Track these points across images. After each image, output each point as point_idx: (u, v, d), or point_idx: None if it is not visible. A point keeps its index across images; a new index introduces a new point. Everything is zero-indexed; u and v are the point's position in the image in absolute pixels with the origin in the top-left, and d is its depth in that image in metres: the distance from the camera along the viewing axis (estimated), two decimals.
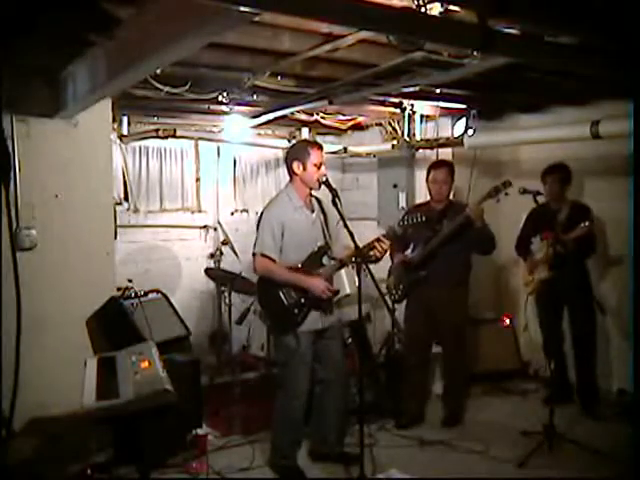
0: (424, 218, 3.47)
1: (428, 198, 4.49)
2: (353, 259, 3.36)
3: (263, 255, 3.46)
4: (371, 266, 3.47)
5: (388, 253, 4.32)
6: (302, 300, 3.47)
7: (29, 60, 3.11)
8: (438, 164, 4.45)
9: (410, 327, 4.45)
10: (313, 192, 3.62)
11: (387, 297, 4.11)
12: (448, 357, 4.44)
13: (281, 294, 3.47)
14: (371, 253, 3.41)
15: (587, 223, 4.19)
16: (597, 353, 4.61)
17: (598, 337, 4.62)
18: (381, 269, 4.52)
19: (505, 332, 5.42)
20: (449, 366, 4.46)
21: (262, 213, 3.59)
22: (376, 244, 3.41)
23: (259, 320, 5.09)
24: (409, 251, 4.32)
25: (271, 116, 4.91)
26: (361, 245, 3.30)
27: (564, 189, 4.55)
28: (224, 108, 4.71)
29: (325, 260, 3.58)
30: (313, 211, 3.61)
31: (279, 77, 3.99)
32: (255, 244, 3.52)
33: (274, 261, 3.47)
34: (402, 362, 4.50)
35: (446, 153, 5.32)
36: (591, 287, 4.59)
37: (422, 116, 5.45)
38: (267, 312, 3.69)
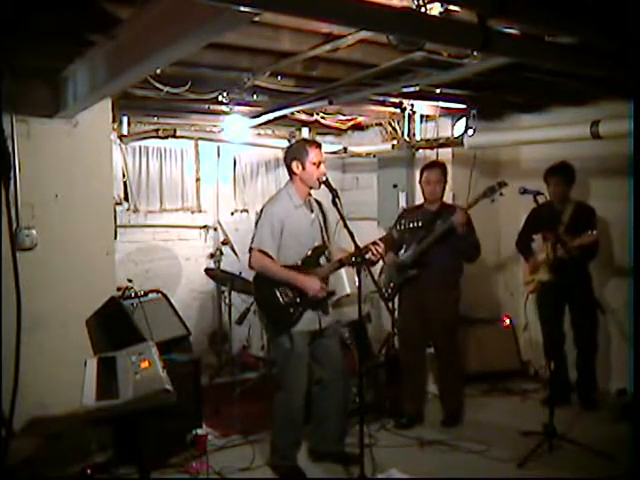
0: (420, 224, 3.44)
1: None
2: (352, 259, 3.35)
3: (260, 251, 3.45)
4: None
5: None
6: (298, 300, 3.46)
7: (29, 60, 3.11)
8: (430, 165, 4.46)
9: (403, 328, 4.47)
10: (313, 193, 3.62)
11: (377, 295, 4.11)
12: (440, 358, 4.44)
13: (277, 292, 3.45)
14: (367, 256, 3.36)
15: (594, 232, 4.15)
16: (598, 351, 4.62)
17: (598, 337, 4.63)
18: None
19: (505, 332, 5.42)
20: (442, 367, 4.46)
21: (262, 210, 3.58)
22: (371, 247, 3.39)
23: (259, 320, 5.09)
24: (402, 251, 4.33)
25: (271, 116, 4.91)
26: (361, 246, 3.30)
27: (569, 189, 4.54)
28: (224, 108, 4.71)
29: (322, 260, 3.58)
30: (312, 211, 3.61)
31: (279, 77, 4.00)
32: (253, 239, 3.50)
33: (271, 258, 3.46)
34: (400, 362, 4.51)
35: (446, 153, 5.32)
36: (592, 288, 4.58)
37: (422, 116, 5.45)
38: (263, 310, 3.68)
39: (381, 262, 4.42)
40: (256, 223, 3.56)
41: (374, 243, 3.41)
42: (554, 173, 4.54)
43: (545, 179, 4.56)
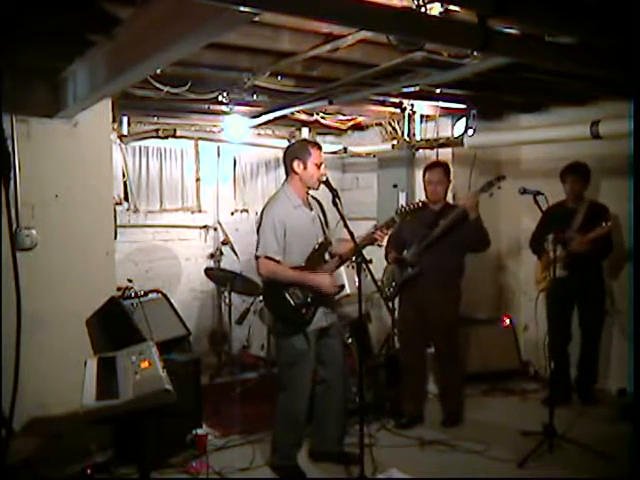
0: (421, 204, 3.51)
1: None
2: (353, 257, 3.36)
3: (267, 257, 3.44)
4: (371, 267, 3.48)
5: (383, 253, 4.34)
6: (308, 299, 3.46)
7: (29, 60, 3.11)
8: (433, 165, 4.46)
9: (403, 328, 4.46)
10: (312, 192, 3.62)
11: (378, 295, 4.11)
12: (441, 358, 4.44)
13: (287, 295, 3.44)
14: (375, 235, 3.47)
15: (609, 223, 4.17)
16: (600, 348, 4.65)
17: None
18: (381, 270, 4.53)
19: (505, 332, 5.42)
20: (442, 367, 4.45)
21: (262, 214, 3.57)
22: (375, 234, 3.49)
23: (259, 320, 5.09)
24: (405, 251, 4.33)
25: (271, 116, 4.91)
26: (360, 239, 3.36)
27: (585, 188, 4.54)
28: (224, 108, 4.71)
29: (327, 256, 3.59)
30: (312, 209, 3.61)
31: (279, 77, 4.00)
32: (258, 246, 3.48)
33: (278, 262, 3.45)
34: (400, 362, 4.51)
35: (446, 153, 5.32)
36: (604, 288, 4.59)
37: (422, 116, 5.45)
38: (274, 314, 3.65)
39: (384, 262, 4.45)
40: (257, 229, 3.54)
41: (376, 228, 3.51)
42: (572, 172, 4.54)
43: (562, 177, 4.56)
